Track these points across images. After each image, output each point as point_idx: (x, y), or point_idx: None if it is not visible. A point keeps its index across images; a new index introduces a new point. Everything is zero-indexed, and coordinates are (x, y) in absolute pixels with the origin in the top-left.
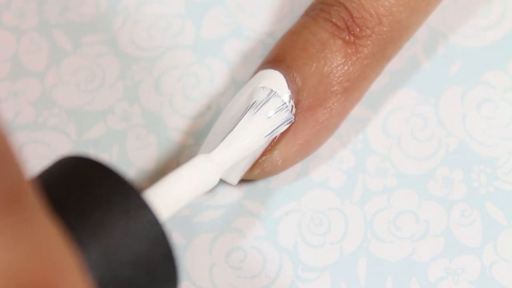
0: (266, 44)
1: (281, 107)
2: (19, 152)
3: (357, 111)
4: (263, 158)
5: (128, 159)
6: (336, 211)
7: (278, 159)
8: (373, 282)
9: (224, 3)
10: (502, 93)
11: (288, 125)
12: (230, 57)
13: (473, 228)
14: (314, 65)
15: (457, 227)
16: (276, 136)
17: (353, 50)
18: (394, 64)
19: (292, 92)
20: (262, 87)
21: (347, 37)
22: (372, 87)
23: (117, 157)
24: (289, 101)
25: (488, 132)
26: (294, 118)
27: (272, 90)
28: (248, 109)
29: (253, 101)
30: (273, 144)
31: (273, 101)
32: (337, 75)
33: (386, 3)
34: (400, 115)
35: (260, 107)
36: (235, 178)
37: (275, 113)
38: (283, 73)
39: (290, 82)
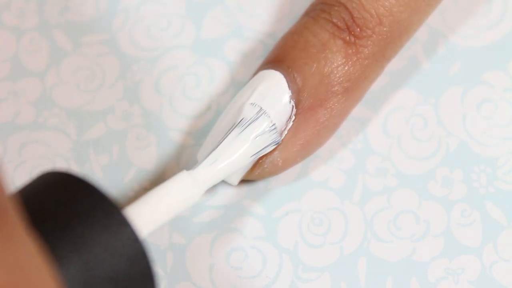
0: (266, 44)
1: (270, 128)
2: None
3: (357, 111)
4: (263, 159)
5: (128, 159)
6: (336, 211)
7: (278, 159)
8: (373, 282)
9: (224, 3)
10: (502, 93)
11: (275, 146)
12: (230, 57)
13: (473, 228)
14: (315, 65)
15: (457, 227)
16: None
17: (354, 51)
18: (394, 64)
19: (292, 92)
20: (252, 103)
21: (348, 38)
22: (372, 87)
23: (117, 157)
24: (290, 102)
25: (488, 132)
26: (295, 118)
27: (261, 108)
28: (235, 127)
29: (241, 118)
30: None
31: (261, 120)
32: (337, 75)
33: (386, 3)
34: (400, 115)
35: (248, 125)
36: (235, 179)
37: (263, 134)
38: (283, 74)
39: (291, 82)
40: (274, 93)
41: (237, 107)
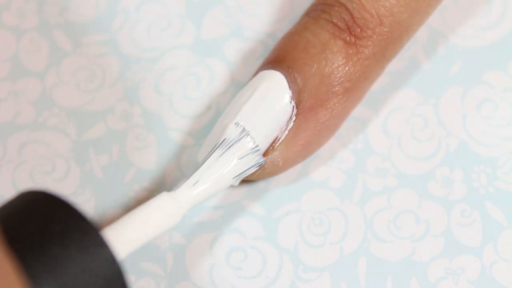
0: (266, 45)
1: (252, 150)
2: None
3: (358, 111)
4: (264, 159)
5: (128, 159)
6: (336, 211)
7: (279, 159)
8: (373, 282)
9: (224, 3)
10: (502, 93)
11: (258, 168)
12: (230, 57)
13: (473, 228)
14: (315, 65)
15: (457, 227)
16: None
17: (354, 51)
18: (394, 64)
19: (293, 92)
20: (236, 123)
21: (348, 38)
22: (373, 87)
23: (117, 157)
24: (290, 102)
25: (488, 132)
26: (296, 119)
27: (244, 129)
28: (217, 147)
29: (223, 138)
30: (274, 145)
31: (244, 141)
32: (338, 75)
33: (387, 3)
34: (400, 115)
35: (230, 146)
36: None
37: (246, 156)
38: (284, 74)
39: (291, 82)
40: (275, 94)
41: (233, 113)
